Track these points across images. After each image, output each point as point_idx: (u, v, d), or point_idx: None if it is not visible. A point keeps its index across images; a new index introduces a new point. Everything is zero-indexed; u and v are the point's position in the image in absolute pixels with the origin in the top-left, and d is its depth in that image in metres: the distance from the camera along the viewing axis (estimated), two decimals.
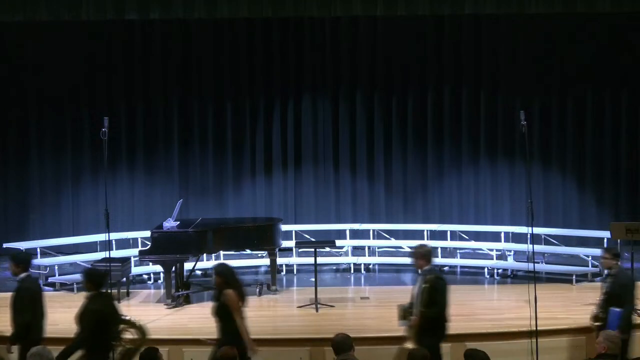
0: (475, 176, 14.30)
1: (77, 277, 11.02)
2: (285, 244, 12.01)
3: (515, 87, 14.05)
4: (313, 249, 11.12)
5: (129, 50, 14.14)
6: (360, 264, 12.77)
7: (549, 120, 14.15)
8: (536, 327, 8.29)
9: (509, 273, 12.24)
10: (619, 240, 11.62)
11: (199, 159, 14.35)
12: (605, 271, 8.97)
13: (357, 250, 13.39)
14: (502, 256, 12.79)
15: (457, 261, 12.83)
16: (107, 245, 9.42)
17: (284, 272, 12.58)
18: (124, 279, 11.17)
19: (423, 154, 14.33)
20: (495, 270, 12.22)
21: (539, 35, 13.92)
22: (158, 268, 11.47)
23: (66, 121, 14.20)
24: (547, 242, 13.12)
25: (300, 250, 12.74)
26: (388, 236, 13.60)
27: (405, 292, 8.09)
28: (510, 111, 13.76)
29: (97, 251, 12.60)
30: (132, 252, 12.02)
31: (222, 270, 7.63)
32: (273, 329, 9.50)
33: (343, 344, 6.62)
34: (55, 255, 12.74)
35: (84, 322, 7.09)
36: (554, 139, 14.18)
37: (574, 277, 11.56)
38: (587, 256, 12.04)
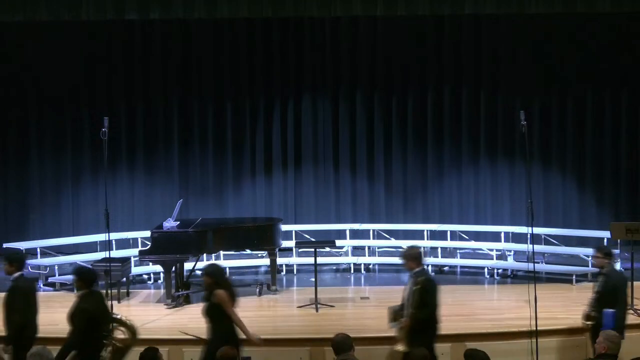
0: (475, 176, 14.30)
1: None
2: (285, 244, 12.01)
3: (515, 87, 14.05)
4: (313, 249, 11.12)
5: (129, 50, 14.14)
6: (360, 264, 12.77)
7: (549, 120, 14.15)
8: (536, 327, 8.28)
9: (509, 273, 12.25)
10: (619, 240, 11.64)
11: (199, 159, 14.35)
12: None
13: (357, 250, 13.40)
14: (502, 256, 12.80)
15: (457, 261, 12.84)
16: (107, 245, 9.42)
17: (284, 272, 12.58)
18: (124, 279, 11.17)
19: (423, 154, 14.33)
20: (495, 270, 12.23)
21: (539, 35, 13.92)
22: (158, 268, 11.47)
23: (66, 121, 14.20)
24: (547, 242, 13.11)
25: (300, 250, 12.74)
26: (388, 236, 13.60)
27: None
28: (510, 111, 13.76)
29: (97, 251, 12.60)
30: (132, 252, 12.02)
31: (212, 271, 7.63)
32: (273, 329, 9.49)
33: (343, 344, 6.63)
34: (55, 255, 12.74)
35: (75, 321, 7.09)
36: (554, 139, 14.18)
37: (574, 277, 11.56)
38: (587, 256, 12.00)
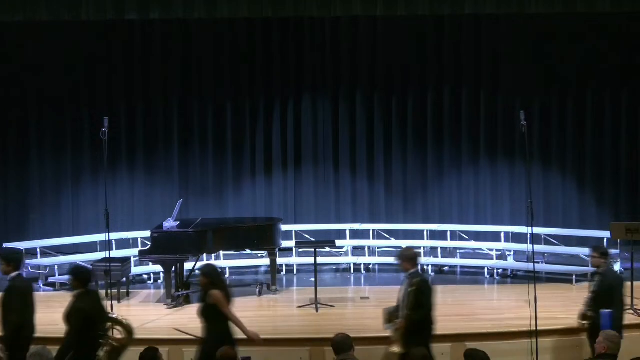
0: (475, 176, 14.29)
1: None
2: (285, 244, 12.01)
3: (515, 87, 14.05)
4: (313, 249, 11.12)
5: (129, 50, 14.14)
6: (360, 264, 12.77)
7: (549, 120, 14.15)
8: (536, 327, 8.29)
9: (509, 273, 12.25)
10: (619, 240, 11.63)
11: (199, 159, 14.35)
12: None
13: (357, 250, 13.39)
14: (502, 256, 12.79)
15: (457, 261, 12.83)
16: (107, 245, 9.45)
17: (284, 272, 12.58)
18: (124, 279, 11.17)
19: (423, 154, 14.33)
20: (495, 270, 12.23)
21: (539, 35, 13.91)
22: (158, 268, 11.47)
23: (66, 121, 14.20)
24: (547, 242, 13.11)
25: (300, 250, 12.74)
26: (388, 236, 13.60)
27: None
28: (510, 111, 13.76)
29: (97, 251, 12.59)
30: (132, 252, 12.02)
31: (208, 271, 7.62)
32: (273, 329, 9.49)
33: (343, 344, 6.63)
34: (55, 255, 12.74)
35: (72, 321, 7.09)
36: (554, 139, 14.18)
37: (574, 277, 11.56)
38: (587, 256, 11.96)
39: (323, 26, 14.16)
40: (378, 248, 13.48)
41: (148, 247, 10.85)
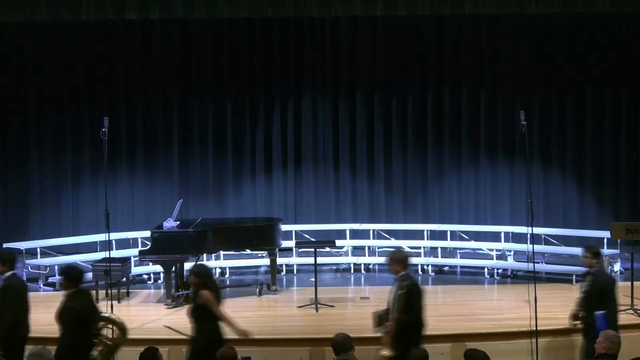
0: (475, 176, 14.29)
1: None
2: (285, 244, 12.01)
3: (515, 87, 14.05)
4: (313, 249, 11.12)
5: (129, 50, 14.14)
6: (360, 264, 12.78)
7: (549, 120, 14.15)
8: (536, 327, 8.29)
9: (509, 273, 12.25)
10: (619, 240, 11.64)
11: (199, 159, 14.34)
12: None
13: (357, 250, 13.40)
14: (502, 256, 12.79)
15: (457, 261, 12.84)
16: (107, 245, 9.44)
17: (284, 272, 12.58)
18: (124, 279, 11.17)
19: (423, 154, 14.33)
20: (495, 270, 12.23)
21: (539, 35, 13.91)
22: (158, 268, 11.47)
23: (66, 121, 14.20)
24: (547, 242, 13.11)
25: (300, 250, 12.74)
26: (388, 236, 13.60)
27: None
28: (510, 111, 13.76)
29: (97, 251, 12.59)
30: (132, 252, 12.02)
31: (200, 271, 7.64)
32: (273, 329, 9.50)
33: (343, 344, 6.63)
34: (55, 255, 12.74)
35: (64, 320, 7.09)
36: (554, 139, 14.18)
37: (574, 277, 11.54)
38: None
39: (323, 26, 14.16)
40: (378, 248, 13.47)
41: (148, 247, 10.85)
